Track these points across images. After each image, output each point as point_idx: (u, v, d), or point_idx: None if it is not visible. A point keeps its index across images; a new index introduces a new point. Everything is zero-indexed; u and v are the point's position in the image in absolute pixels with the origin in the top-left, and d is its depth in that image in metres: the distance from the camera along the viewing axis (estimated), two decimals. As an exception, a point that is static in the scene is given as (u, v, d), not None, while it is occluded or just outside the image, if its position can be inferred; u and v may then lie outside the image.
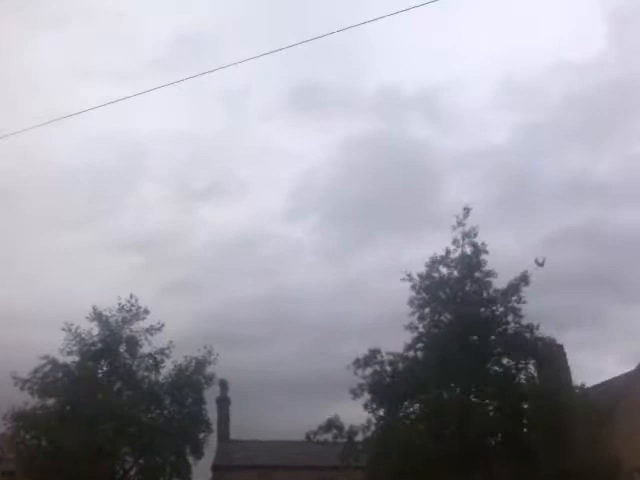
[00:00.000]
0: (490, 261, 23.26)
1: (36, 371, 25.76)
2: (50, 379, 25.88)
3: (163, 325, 27.37)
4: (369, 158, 68.26)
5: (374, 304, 51.16)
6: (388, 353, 23.19)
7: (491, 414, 22.39)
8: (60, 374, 26.10)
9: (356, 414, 24.19)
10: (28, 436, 25.91)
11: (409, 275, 23.54)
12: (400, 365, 22.97)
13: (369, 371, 23.25)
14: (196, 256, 62.76)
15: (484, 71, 77.34)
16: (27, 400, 25.57)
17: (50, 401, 26.05)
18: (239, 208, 71.62)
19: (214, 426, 29.77)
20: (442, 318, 23.09)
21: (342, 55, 74.82)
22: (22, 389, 25.47)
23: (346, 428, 24.49)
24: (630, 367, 25.64)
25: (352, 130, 71.36)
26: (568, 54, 75.34)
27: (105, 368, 26.89)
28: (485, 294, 22.95)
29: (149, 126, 76.73)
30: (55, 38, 71.56)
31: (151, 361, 27.13)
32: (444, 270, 23.50)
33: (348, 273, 62.24)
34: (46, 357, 26.05)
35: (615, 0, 72.15)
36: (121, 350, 26.97)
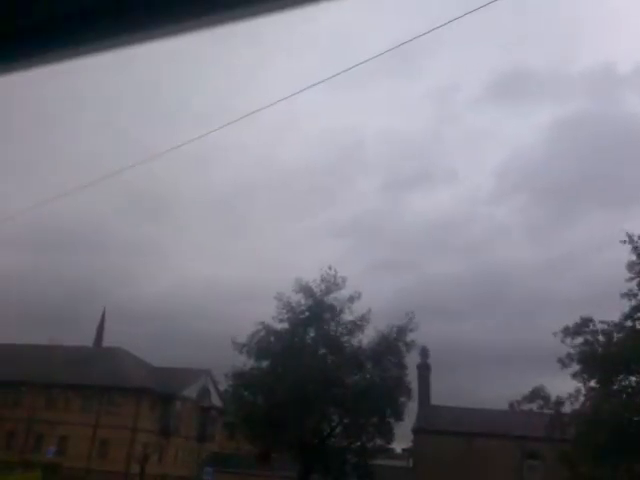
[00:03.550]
0: None
1: (252, 336, 28.03)
2: (264, 344, 28.05)
3: (361, 294, 28.29)
4: (577, 137, 66.10)
5: (581, 278, 49.42)
6: (602, 322, 21.67)
7: None
8: (272, 339, 28.18)
9: (558, 387, 23.24)
10: (246, 393, 28.50)
11: (630, 237, 21.53)
12: (615, 335, 21.39)
13: (579, 340, 21.99)
14: (402, 238, 66.90)
15: None
16: (244, 362, 28.12)
17: (264, 363, 28.33)
18: (446, 193, 74.36)
19: (414, 391, 30.29)
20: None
21: (551, 41, 71.67)
22: (240, 352, 27.95)
23: (552, 399, 23.58)
24: None
25: (560, 112, 69.54)
26: None
27: (312, 334, 28.52)
28: None
29: (364, 125, 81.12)
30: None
31: (353, 327, 28.20)
32: None
33: (554, 249, 61.66)
34: (262, 323, 28.27)
35: None
36: (325, 317, 28.33)
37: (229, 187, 73.32)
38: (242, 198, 74.96)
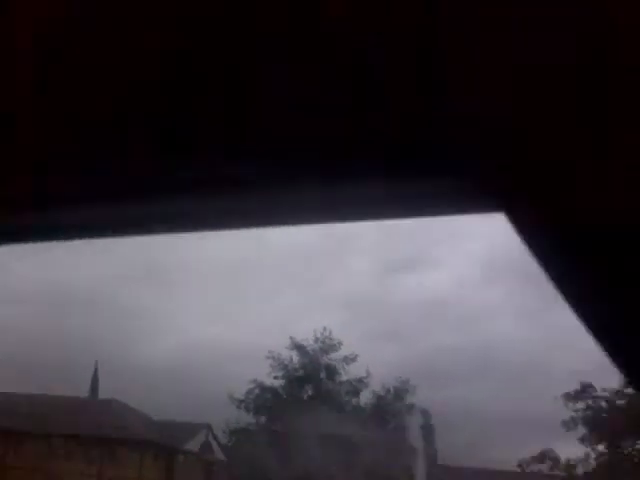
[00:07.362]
0: None
1: (249, 392, 27.94)
2: (260, 400, 27.92)
3: (357, 356, 27.91)
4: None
5: (578, 349, 49.39)
6: (604, 389, 21.09)
7: None
8: (269, 396, 27.93)
9: (567, 449, 22.83)
10: (245, 449, 28.23)
11: None
12: (617, 402, 20.79)
13: (581, 405, 21.48)
14: (396, 314, 68.08)
15: None
16: (239, 418, 28.91)
17: (262, 419, 28.10)
18: (435, 278, 76.82)
19: (419, 452, 29.72)
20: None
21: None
22: (238, 408, 28.32)
23: (562, 460, 23.03)
24: None
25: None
26: None
27: (310, 393, 28.24)
28: None
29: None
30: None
31: (350, 387, 28.04)
32: None
33: (547, 326, 61.91)
34: (254, 381, 28.06)
35: None
36: (322, 376, 28.06)
37: (226, 259, 74.88)
38: (238, 270, 77.20)
